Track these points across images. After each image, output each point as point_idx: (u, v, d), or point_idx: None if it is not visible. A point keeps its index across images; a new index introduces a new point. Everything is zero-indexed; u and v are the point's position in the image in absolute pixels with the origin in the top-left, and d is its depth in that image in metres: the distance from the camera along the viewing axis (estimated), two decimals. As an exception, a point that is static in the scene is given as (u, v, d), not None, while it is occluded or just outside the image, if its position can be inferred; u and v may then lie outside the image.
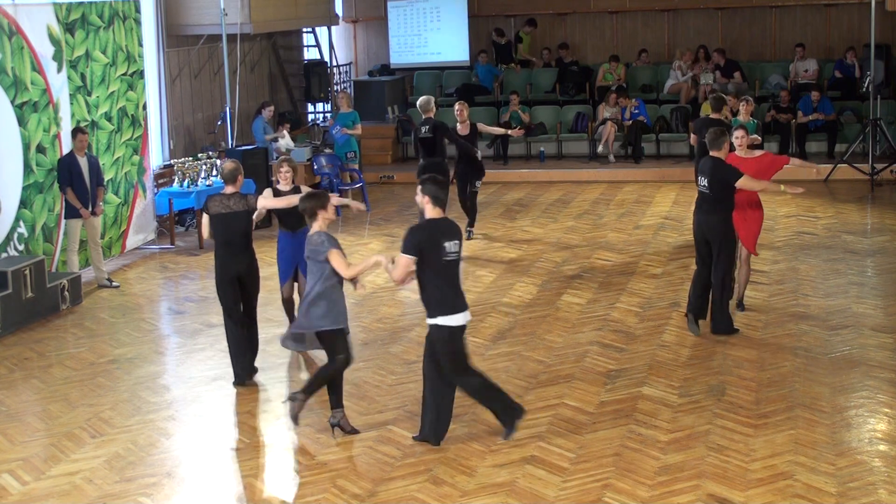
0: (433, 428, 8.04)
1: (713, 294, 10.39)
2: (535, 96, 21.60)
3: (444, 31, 22.25)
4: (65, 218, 12.88)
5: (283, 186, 10.34)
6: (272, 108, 17.86)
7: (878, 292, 11.81)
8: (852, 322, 10.66)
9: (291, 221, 10.30)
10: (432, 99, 14.53)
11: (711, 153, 10.24)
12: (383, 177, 19.57)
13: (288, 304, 10.72)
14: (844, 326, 10.53)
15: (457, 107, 14.70)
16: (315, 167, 17.20)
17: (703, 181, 10.22)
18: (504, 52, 22.23)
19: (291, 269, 10.54)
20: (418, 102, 14.55)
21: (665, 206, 16.59)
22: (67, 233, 12.88)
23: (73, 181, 12.62)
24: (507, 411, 8.05)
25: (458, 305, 7.87)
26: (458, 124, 14.66)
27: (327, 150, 17.67)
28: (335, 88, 21.85)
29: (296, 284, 10.66)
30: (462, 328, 7.93)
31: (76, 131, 12.80)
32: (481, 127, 15.08)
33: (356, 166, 17.73)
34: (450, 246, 7.72)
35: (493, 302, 11.84)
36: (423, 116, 14.25)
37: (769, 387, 9.04)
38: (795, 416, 8.39)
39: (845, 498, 7.06)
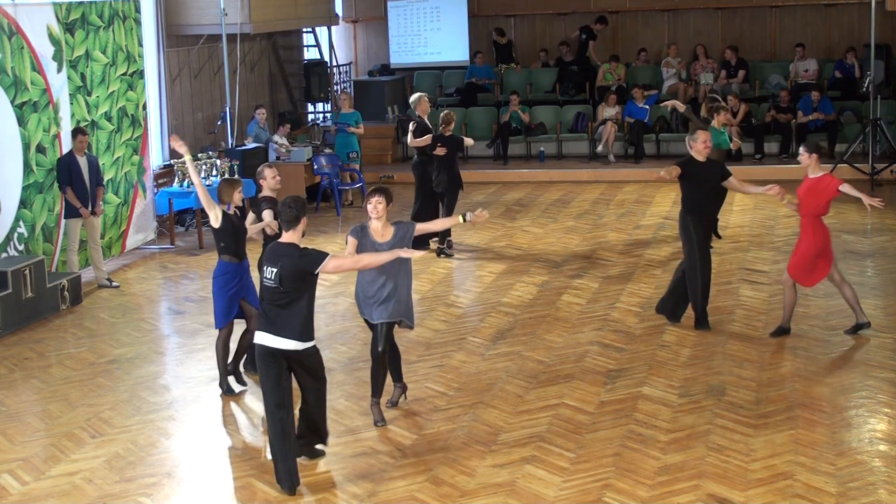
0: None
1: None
2: (535, 96, 21.59)
3: (444, 31, 22.24)
4: (65, 218, 12.88)
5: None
6: (263, 110, 17.81)
7: (878, 292, 11.81)
8: (852, 322, 10.64)
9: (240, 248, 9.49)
10: (422, 96, 14.50)
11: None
12: (383, 177, 19.56)
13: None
14: (844, 326, 10.51)
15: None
16: (315, 167, 17.20)
17: None
18: (504, 52, 22.21)
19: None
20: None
21: (665, 206, 16.57)
22: (67, 233, 12.88)
23: (72, 181, 12.61)
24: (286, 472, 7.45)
25: (262, 326, 7.48)
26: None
27: (327, 150, 17.67)
28: (335, 88, 21.85)
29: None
30: (260, 349, 7.46)
31: (76, 132, 12.80)
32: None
33: (357, 166, 17.74)
34: (266, 272, 7.45)
35: (493, 302, 11.84)
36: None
37: (769, 387, 9.04)
38: (795, 416, 8.39)
39: (845, 498, 7.06)
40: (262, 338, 7.42)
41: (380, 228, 8.32)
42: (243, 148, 16.56)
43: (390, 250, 7.93)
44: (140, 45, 14.90)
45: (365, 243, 8.26)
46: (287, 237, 7.50)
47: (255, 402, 9.23)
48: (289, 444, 7.40)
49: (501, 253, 14.05)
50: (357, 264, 7.77)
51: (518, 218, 16.20)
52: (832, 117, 19.18)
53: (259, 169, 9.95)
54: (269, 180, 9.76)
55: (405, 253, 7.76)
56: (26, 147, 12.53)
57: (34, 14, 12.78)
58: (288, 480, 7.40)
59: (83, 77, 13.64)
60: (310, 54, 22.36)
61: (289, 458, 7.41)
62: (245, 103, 18.63)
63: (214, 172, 15.58)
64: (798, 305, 11.24)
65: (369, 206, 8.32)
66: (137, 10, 14.87)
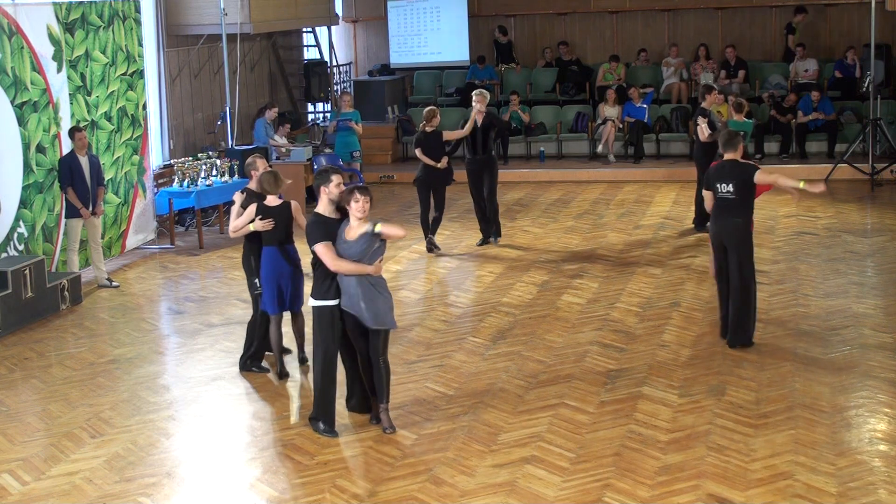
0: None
1: (735, 303, 9.86)
2: (535, 96, 21.59)
3: (444, 31, 22.25)
4: (65, 217, 12.88)
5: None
6: (275, 108, 17.81)
7: (878, 292, 11.81)
8: (852, 322, 10.66)
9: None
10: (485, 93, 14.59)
11: (726, 155, 9.83)
12: (383, 177, 19.57)
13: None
14: (844, 326, 10.52)
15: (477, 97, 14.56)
16: (315, 167, 17.20)
17: (727, 186, 9.71)
18: (505, 51, 22.21)
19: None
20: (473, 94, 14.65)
21: (665, 206, 16.58)
22: (68, 232, 12.88)
23: (73, 181, 12.62)
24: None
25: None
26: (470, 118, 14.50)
27: (327, 150, 17.67)
28: (335, 88, 21.86)
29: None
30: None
31: (73, 131, 12.76)
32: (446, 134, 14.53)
33: (358, 165, 17.74)
34: None
35: (493, 302, 11.84)
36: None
37: (769, 387, 9.05)
38: (795, 416, 8.39)
39: (845, 498, 7.06)
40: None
41: (355, 226, 8.11)
42: (243, 148, 16.55)
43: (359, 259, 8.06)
44: (140, 45, 14.90)
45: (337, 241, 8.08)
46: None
47: (254, 401, 9.23)
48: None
49: (501, 253, 14.05)
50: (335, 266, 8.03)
51: (518, 218, 16.20)
52: (832, 117, 19.18)
53: (250, 160, 9.95)
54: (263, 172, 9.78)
55: (372, 269, 8.03)
56: (26, 147, 12.53)
57: (34, 14, 12.79)
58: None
59: (83, 77, 13.64)
60: (310, 54, 22.38)
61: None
62: (245, 103, 18.63)
63: (214, 172, 15.59)
64: (798, 305, 11.26)
65: (356, 206, 8.01)
66: (137, 10, 14.87)
